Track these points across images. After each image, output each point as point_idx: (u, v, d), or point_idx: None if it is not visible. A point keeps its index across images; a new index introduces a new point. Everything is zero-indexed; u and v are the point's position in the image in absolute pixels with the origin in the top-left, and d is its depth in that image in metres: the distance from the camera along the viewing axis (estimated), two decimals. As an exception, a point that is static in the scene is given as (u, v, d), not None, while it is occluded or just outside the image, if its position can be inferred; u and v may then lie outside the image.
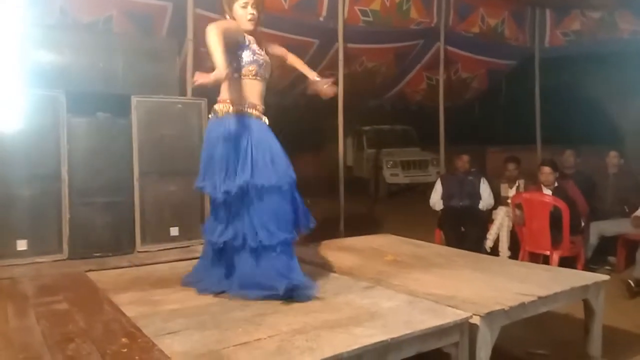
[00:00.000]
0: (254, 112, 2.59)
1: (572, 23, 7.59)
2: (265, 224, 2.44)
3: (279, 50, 2.75)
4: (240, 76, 2.54)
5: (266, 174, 2.44)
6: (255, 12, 2.50)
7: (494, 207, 5.40)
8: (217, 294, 2.54)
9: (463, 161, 5.58)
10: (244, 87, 2.54)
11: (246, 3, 2.48)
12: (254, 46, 2.58)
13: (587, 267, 4.63)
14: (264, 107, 2.65)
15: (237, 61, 2.51)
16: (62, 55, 3.96)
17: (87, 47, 4.09)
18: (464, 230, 5.30)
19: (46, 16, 4.72)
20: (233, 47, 2.45)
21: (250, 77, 2.55)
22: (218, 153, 2.48)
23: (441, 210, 5.59)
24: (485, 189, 5.43)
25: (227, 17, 2.53)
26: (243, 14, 2.48)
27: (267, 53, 2.67)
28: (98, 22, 5.09)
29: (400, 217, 7.86)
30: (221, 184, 2.44)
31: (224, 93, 2.57)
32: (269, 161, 2.47)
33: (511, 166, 5.48)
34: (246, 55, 2.51)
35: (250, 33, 2.58)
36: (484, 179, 5.52)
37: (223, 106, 2.57)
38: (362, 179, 11.85)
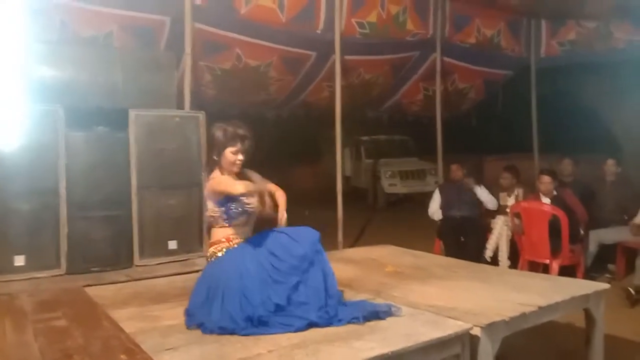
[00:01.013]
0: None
1: (568, 33, 7.65)
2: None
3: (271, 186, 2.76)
4: (230, 224, 2.58)
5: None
6: (242, 158, 2.60)
7: (493, 216, 5.40)
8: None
9: (453, 170, 5.61)
10: (235, 231, 2.59)
11: (237, 150, 2.58)
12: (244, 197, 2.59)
13: (587, 276, 4.63)
14: None
15: (228, 212, 2.56)
16: (61, 69, 3.98)
17: (86, 61, 4.10)
18: (464, 240, 5.29)
19: (46, 31, 4.75)
20: (224, 199, 2.54)
21: (240, 225, 2.60)
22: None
23: (440, 220, 5.59)
24: (482, 192, 5.44)
25: (215, 157, 2.60)
26: (232, 159, 2.58)
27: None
28: (99, 37, 5.12)
29: (399, 227, 7.85)
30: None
31: (217, 235, 2.59)
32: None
33: (506, 175, 5.49)
34: (235, 207, 2.55)
35: (235, 174, 2.63)
36: (481, 186, 5.53)
37: (219, 246, 2.56)
38: (360, 189, 11.86)
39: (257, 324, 2.23)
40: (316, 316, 2.28)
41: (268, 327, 2.23)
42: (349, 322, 2.30)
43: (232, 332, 2.22)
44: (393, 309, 2.42)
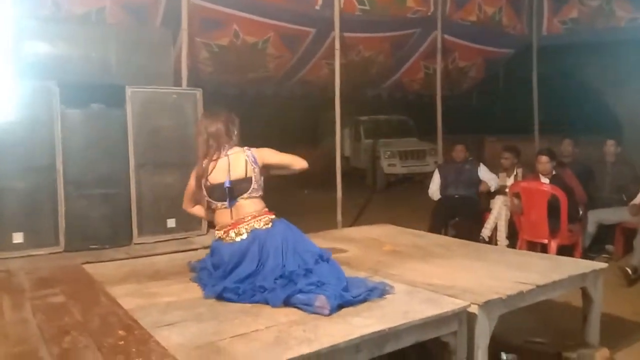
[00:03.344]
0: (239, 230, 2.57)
1: (570, 11, 7.55)
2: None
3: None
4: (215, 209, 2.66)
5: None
6: (214, 144, 2.62)
7: (492, 196, 5.40)
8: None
9: (457, 151, 5.59)
10: (223, 215, 2.63)
11: (205, 139, 2.64)
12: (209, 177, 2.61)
13: (585, 256, 4.64)
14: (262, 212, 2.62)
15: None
16: (55, 46, 3.91)
17: (80, 38, 4.04)
18: (459, 219, 5.30)
19: (39, 8, 4.66)
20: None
21: (220, 207, 2.62)
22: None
23: (438, 199, 5.59)
24: (485, 173, 5.44)
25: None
26: (204, 147, 2.64)
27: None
28: (91, 13, 5.03)
29: (398, 207, 7.85)
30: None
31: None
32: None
33: (506, 154, 5.46)
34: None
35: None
36: (482, 165, 5.52)
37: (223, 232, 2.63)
38: (359, 169, 11.83)
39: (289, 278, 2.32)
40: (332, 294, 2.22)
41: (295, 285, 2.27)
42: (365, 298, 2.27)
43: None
44: (387, 287, 2.41)
